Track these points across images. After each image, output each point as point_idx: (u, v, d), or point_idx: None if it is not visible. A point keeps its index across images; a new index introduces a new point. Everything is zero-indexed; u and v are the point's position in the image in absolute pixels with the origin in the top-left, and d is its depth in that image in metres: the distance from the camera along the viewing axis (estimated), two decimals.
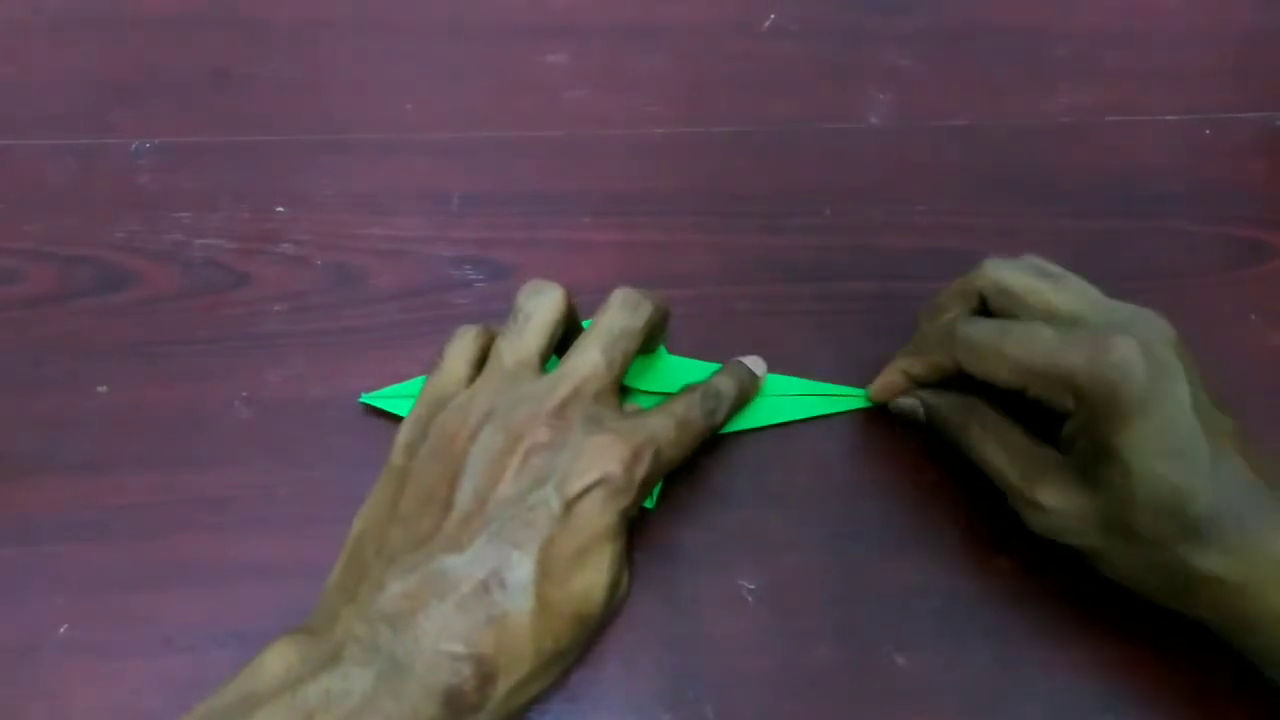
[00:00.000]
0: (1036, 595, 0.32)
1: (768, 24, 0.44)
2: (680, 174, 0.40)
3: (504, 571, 0.25)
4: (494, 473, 0.27)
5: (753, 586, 0.33)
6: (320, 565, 0.28)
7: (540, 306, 0.30)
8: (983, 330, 0.30)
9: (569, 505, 0.26)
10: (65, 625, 0.31)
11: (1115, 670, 0.31)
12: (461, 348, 0.31)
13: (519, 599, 0.25)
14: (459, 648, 0.25)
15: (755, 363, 0.35)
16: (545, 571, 0.26)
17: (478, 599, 0.25)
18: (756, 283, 0.38)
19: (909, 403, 0.34)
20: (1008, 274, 0.31)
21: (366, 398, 0.35)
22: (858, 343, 0.37)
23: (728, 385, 0.32)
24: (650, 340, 0.32)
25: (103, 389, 0.35)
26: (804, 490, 0.34)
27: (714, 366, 0.35)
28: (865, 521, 0.34)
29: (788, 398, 0.35)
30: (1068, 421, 0.29)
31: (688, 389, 0.31)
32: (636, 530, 0.33)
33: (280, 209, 0.38)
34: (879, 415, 0.35)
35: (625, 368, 0.30)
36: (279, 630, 0.30)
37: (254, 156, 0.39)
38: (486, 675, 0.25)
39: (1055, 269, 0.32)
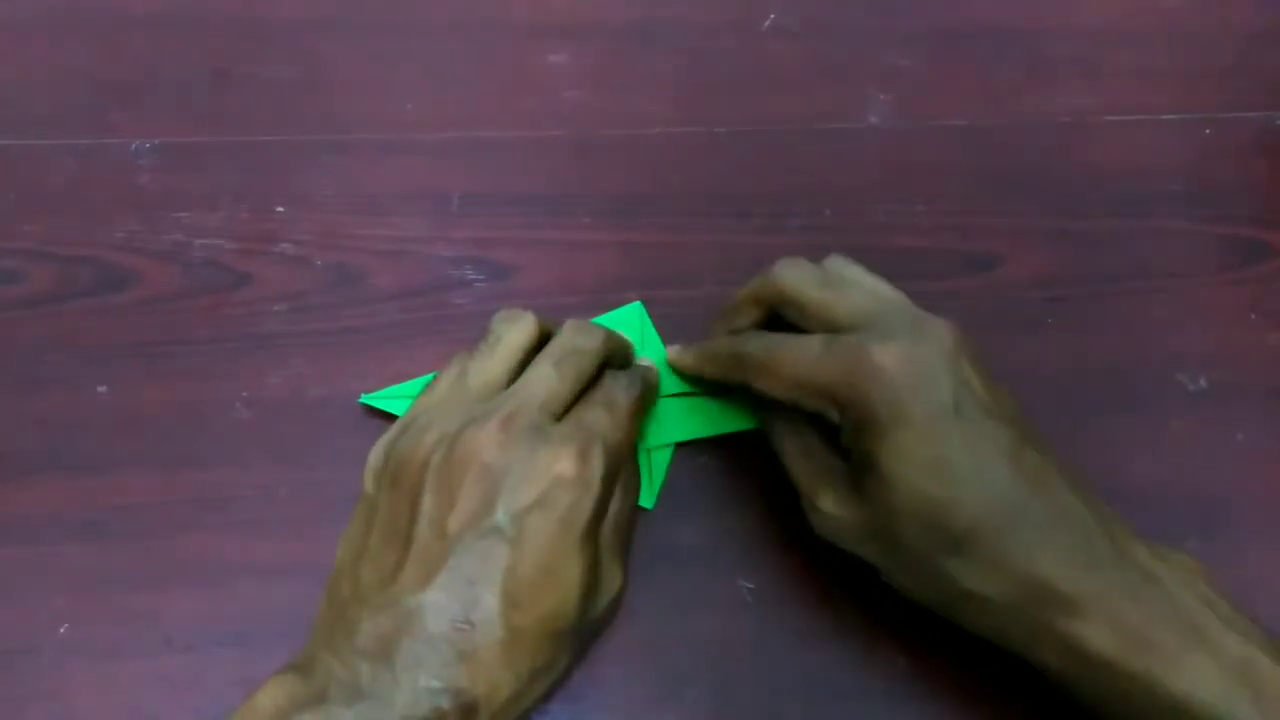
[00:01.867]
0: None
1: (768, 24, 0.44)
2: (680, 174, 0.40)
3: (469, 610, 0.25)
4: (445, 499, 0.26)
5: (753, 586, 0.33)
6: (320, 565, 0.28)
7: (511, 332, 0.31)
8: (756, 346, 0.30)
9: (522, 525, 0.26)
10: (65, 625, 0.31)
11: None
12: (451, 374, 0.31)
13: (487, 632, 0.25)
14: (436, 683, 0.25)
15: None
16: (511, 601, 0.26)
17: (446, 637, 0.25)
18: None
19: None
20: (792, 283, 0.30)
21: (366, 398, 0.35)
22: None
23: (645, 361, 0.34)
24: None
25: (103, 389, 0.35)
26: None
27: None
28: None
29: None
30: (841, 432, 0.29)
31: (604, 376, 0.31)
32: (636, 529, 0.33)
33: (280, 209, 0.38)
34: None
35: (579, 384, 0.30)
36: (278, 629, 0.31)
37: (254, 156, 0.39)
38: (468, 705, 0.25)
39: (851, 272, 0.31)
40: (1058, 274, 0.39)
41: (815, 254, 0.38)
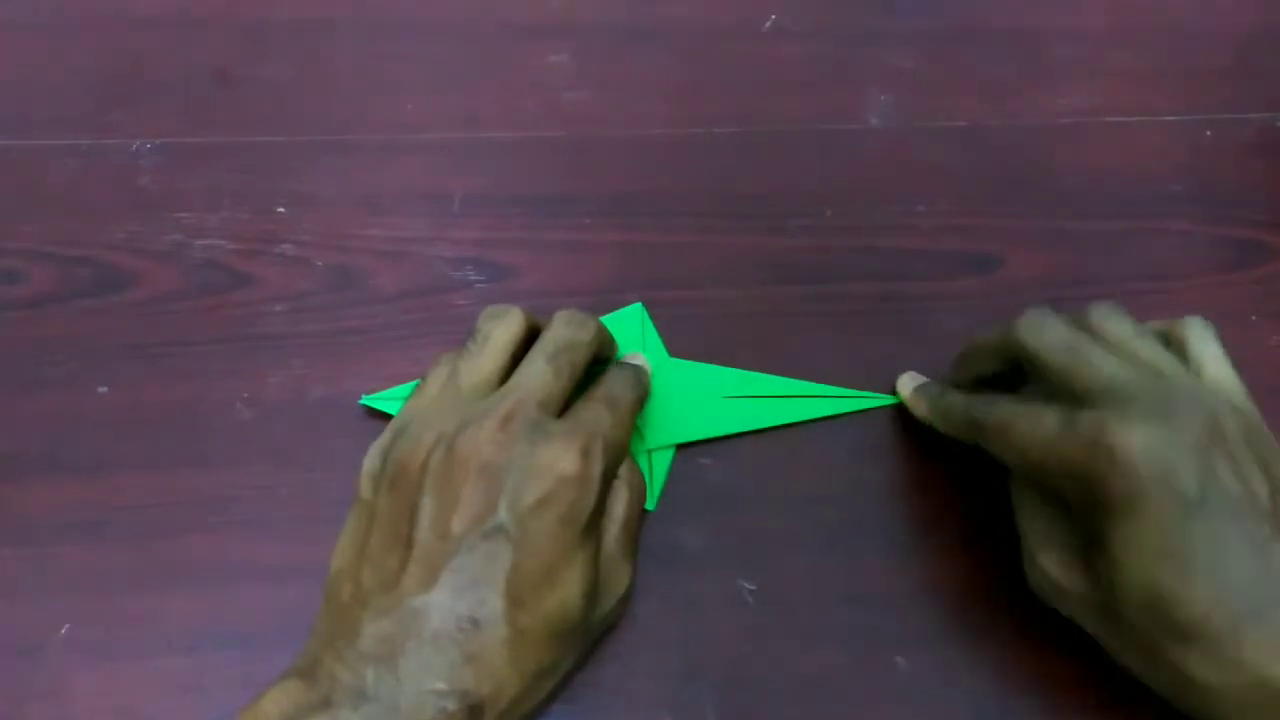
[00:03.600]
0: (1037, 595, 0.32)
1: (768, 24, 0.44)
2: (680, 174, 0.40)
3: (474, 610, 0.25)
4: (447, 501, 0.26)
5: (753, 587, 0.33)
6: (321, 566, 0.28)
7: (499, 329, 0.30)
8: (991, 414, 0.29)
9: (525, 524, 0.26)
10: (66, 625, 0.31)
11: (1115, 671, 0.31)
12: (440, 375, 0.31)
13: (492, 632, 0.25)
14: (441, 685, 0.25)
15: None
16: (515, 600, 0.25)
17: (451, 638, 0.25)
18: (757, 283, 0.38)
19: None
20: (1034, 344, 0.29)
21: (367, 399, 0.35)
22: (858, 343, 0.37)
23: (638, 357, 0.34)
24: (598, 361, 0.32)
25: (103, 389, 0.35)
26: (804, 490, 0.34)
27: (721, 370, 0.35)
28: (865, 521, 0.34)
29: (793, 399, 0.35)
30: (1072, 505, 0.28)
31: (606, 373, 0.31)
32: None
33: (280, 209, 0.38)
34: (880, 415, 0.35)
35: (574, 378, 0.29)
36: (279, 630, 0.31)
37: (254, 156, 0.39)
38: (473, 707, 0.25)
39: (1114, 327, 0.29)
40: (1058, 274, 0.39)
41: (816, 254, 0.39)
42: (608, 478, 0.28)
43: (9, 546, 0.32)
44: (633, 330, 0.36)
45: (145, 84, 0.41)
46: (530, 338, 0.31)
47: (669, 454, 0.34)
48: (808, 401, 0.35)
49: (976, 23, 0.45)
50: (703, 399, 0.35)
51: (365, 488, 0.29)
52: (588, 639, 0.29)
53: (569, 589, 0.26)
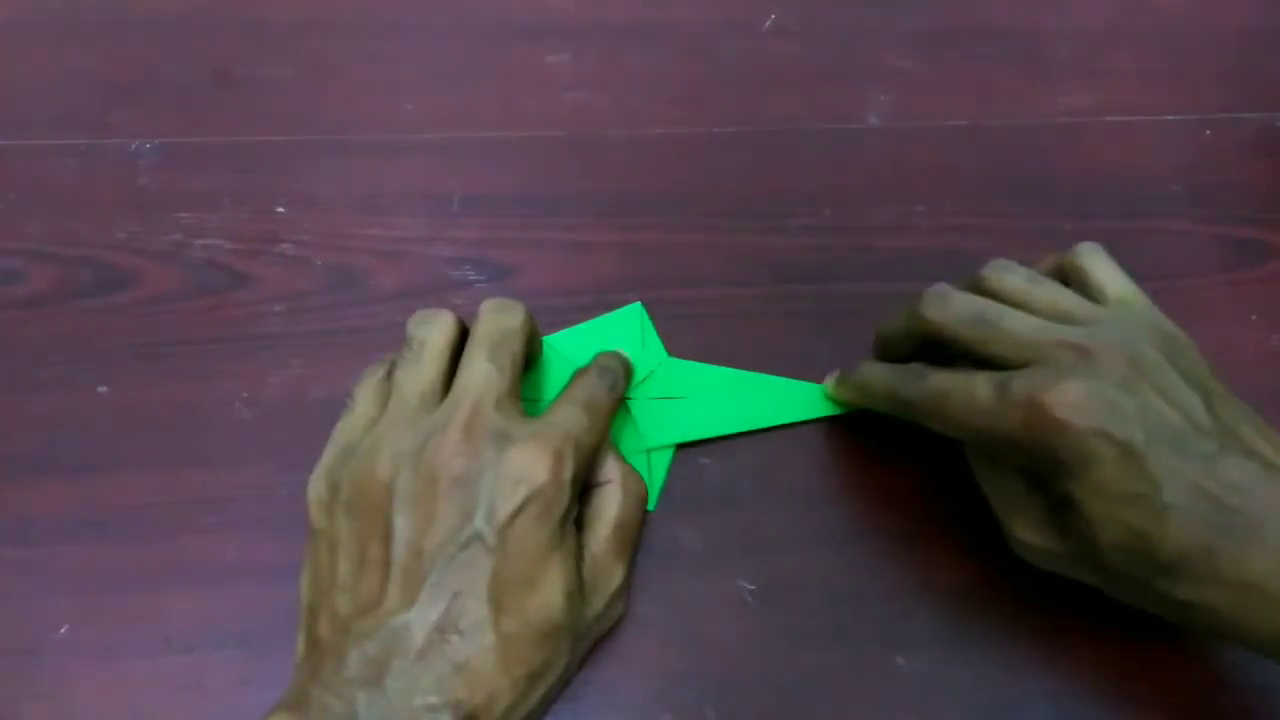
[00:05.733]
0: (1037, 594, 0.32)
1: (768, 24, 0.44)
2: (680, 174, 0.40)
3: (457, 619, 0.25)
4: (421, 519, 0.26)
5: (753, 587, 0.33)
6: None
7: (434, 333, 0.30)
8: (917, 391, 0.30)
9: (501, 532, 0.26)
10: (66, 626, 0.31)
11: (1116, 670, 0.32)
12: (370, 388, 0.30)
13: (478, 640, 0.25)
14: (433, 699, 0.25)
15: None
16: (498, 607, 0.25)
17: (438, 651, 0.25)
18: (756, 283, 0.38)
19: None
20: (939, 320, 0.30)
21: None
22: (858, 343, 0.36)
23: (612, 359, 0.33)
24: (531, 350, 0.32)
25: (103, 389, 0.35)
26: (804, 490, 0.34)
27: (721, 370, 0.35)
28: (865, 521, 0.34)
29: (792, 398, 0.35)
30: (1034, 471, 0.28)
31: (578, 373, 0.31)
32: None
33: (280, 209, 0.38)
34: (880, 415, 0.35)
35: (518, 371, 0.29)
36: (278, 630, 0.30)
37: (254, 156, 0.39)
38: (467, 717, 0.25)
39: (1008, 280, 0.30)
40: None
41: (815, 254, 0.39)
42: (576, 482, 0.28)
43: (9, 546, 0.32)
44: (632, 331, 0.36)
45: (145, 84, 0.41)
46: (463, 337, 0.30)
47: (669, 454, 0.34)
48: (807, 402, 0.35)
49: (976, 23, 0.45)
50: (703, 399, 0.35)
51: (318, 517, 0.28)
52: (581, 640, 0.28)
53: (550, 590, 0.26)
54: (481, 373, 0.28)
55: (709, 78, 0.43)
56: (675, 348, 0.36)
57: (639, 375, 0.35)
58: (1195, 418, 0.27)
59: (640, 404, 0.35)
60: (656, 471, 0.34)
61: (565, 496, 0.27)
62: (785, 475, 0.34)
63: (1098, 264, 0.31)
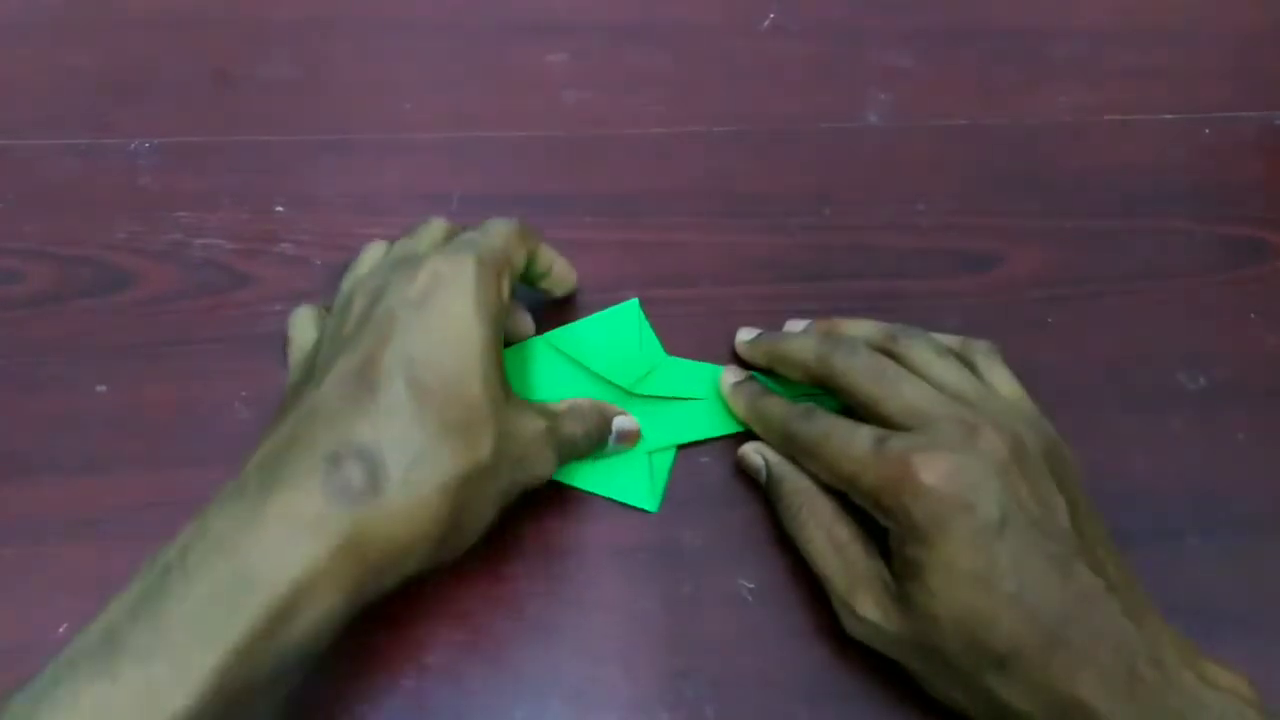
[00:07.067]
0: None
1: (767, 23, 0.44)
2: (680, 174, 0.40)
3: (366, 371, 0.26)
4: (344, 319, 0.29)
5: (753, 586, 0.33)
6: None
7: (430, 228, 0.33)
8: (805, 430, 0.30)
9: (410, 302, 0.27)
10: (65, 625, 0.31)
11: None
12: (308, 317, 0.33)
13: (388, 388, 0.26)
14: (333, 447, 0.25)
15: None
16: (407, 359, 0.26)
17: (346, 398, 0.26)
18: (756, 283, 0.38)
19: (755, 460, 0.33)
20: (847, 371, 0.30)
21: None
22: None
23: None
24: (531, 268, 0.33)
25: (103, 389, 0.35)
26: None
27: (719, 369, 0.35)
28: (865, 521, 0.34)
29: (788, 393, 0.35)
30: (889, 534, 0.28)
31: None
32: (637, 530, 0.33)
33: (280, 209, 0.38)
34: None
35: (510, 257, 0.30)
36: None
37: (254, 156, 0.39)
38: (370, 462, 0.25)
39: (917, 353, 0.31)
40: (1058, 274, 0.39)
41: (815, 254, 0.39)
42: (489, 271, 0.28)
43: (9, 546, 0.32)
44: (629, 326, 0.36)
45: (145, 84, 0.41)
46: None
47: (670, 455, 0.34)
48: (804, 396, 0.35)
49: (976, 22, 0.45)
50: (702, 398, 0.35)
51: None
52: (505, 472, 0.28)
53: (466, 353, 0.27)
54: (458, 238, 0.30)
55: (708, 77, 0.43)
56: (674, 347, 0.36)
57: (636, 372, 0.35)
58: (1058, 519, 0.27)
59: (640, 405, 0.35)
60: (658, 472, 0.34)
61: (473, 274, 0.28)
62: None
63: (994, 365, 0.32)
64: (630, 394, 0.35)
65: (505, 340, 0.31)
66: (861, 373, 0.30)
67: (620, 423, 0.33)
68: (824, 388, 0.32)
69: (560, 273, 0.34)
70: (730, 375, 0.35)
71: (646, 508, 0.33)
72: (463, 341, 0.27)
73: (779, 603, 0.32)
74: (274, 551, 0.23)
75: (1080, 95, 0.43)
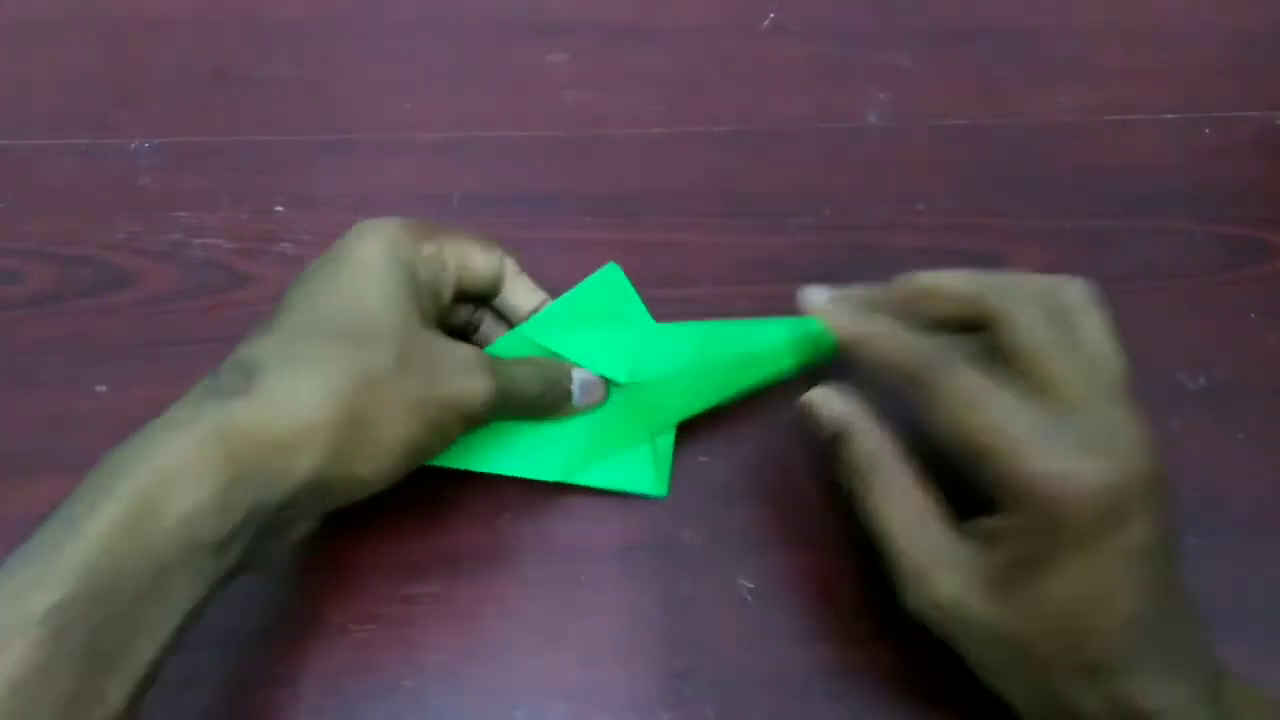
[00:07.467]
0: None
1: (767, 23, 0.44)
2: (680, 174, 0.40)
3: (280, 311, 0.27)
4: None
5: (753, 586, 0.33)
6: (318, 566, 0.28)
7: None
8: (954, 385, 0.26)
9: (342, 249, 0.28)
10: None
11: None
12: None
13: (289, 309, 0.27)
14: (217, 367, 0.26)
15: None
16: (309, 290, 0.27)
17: (253, 332, 0.27)
18: (756, 282, 0.38)
19: (828, 409, 0.29)
20: (1024, 322, 0.27)
21: None
22: None
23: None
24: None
25: (101, 388, 0.35)
26: (804, 489, 0.34)
27: (704, 326, 0.33)
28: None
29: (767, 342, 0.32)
30: (1000, 517, 0.25)
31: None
32: (636, 530, 0.33)
33: (280, 209, 0.38)
34: (883, 414, 0.35)
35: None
36: (277, 630, 0.30)
37: (254, 156, 0.39)
38: (250, 369, 0.25)
39: (1087, 322, 0.27)
40: (1057, 272, 0.39)
41: (815, 254, 0.39)
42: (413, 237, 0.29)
43: (9, 546, 0.32)
44: (611, 296, 0.34)
45: (145, 84, 0.41)
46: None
47: (671, 435, 0.34)
48: (800, 342, 0.32)
49: (976, 22, 0.45)
50: (694, 366, 0.33)
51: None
52: (408, 396, 0.27)
53: (367, 284, 0.27)
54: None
55: (708, 76, 0.43)
56: None
57: (626, 358, 0.33)
58: (1173, 541, 0.26)
59: (634, 389, 0.33)
60: (663, 455, 0.34)
61: (392, 229, 0.29)
62: (785, 475, 0.34)
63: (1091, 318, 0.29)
64: (619, 386, 0.33)
65: (477, 342, 0.32)
66: (1044, 327, 0.26)
67: (580, 375, 0.32)
68: (975, 328, 0.28)
69: (513, 293, 0.33)
70: (818, 291, 0.30)
71: (657, 494, 0.33)
72: (366, 277, 0.27)
73: (779, 603, 0.32)
74: (140, 448, 0.24)
75: (1080, 95, 0.43)
